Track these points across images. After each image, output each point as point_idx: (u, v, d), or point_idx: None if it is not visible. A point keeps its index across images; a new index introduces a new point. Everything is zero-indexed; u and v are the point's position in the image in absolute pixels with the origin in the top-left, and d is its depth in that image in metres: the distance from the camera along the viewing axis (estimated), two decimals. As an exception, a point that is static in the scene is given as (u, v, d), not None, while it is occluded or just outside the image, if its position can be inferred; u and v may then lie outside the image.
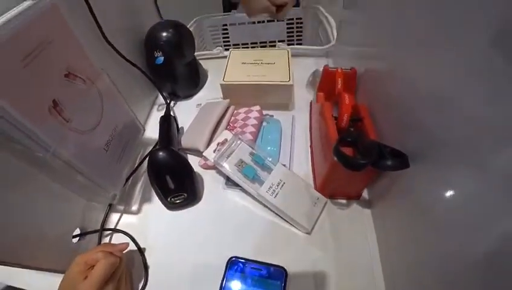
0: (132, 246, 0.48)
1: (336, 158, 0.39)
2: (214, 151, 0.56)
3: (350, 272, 0.44)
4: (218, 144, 0.56)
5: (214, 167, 0.56)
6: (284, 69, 0.64)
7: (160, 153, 0.51)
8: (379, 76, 0.48)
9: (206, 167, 0.58)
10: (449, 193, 0.30)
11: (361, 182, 0.48)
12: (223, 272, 0.43)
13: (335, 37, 0.69)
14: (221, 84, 0.63)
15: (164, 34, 0.62)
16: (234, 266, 0.44)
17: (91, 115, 0.44)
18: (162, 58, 0.62)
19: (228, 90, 0.64)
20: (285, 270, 0.43)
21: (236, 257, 0.44)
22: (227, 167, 0.51)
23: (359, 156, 0.40)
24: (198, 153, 0.58)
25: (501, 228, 0.23)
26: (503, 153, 0.23)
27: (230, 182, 0.55)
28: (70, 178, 0.42)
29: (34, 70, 0.33)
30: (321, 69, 0.61)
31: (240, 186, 0.52)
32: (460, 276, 0.28)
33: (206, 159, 0.57)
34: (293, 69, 0.64)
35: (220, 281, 0.42)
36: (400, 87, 0.41)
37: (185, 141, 0.60)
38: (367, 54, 0.54)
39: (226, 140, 0.56)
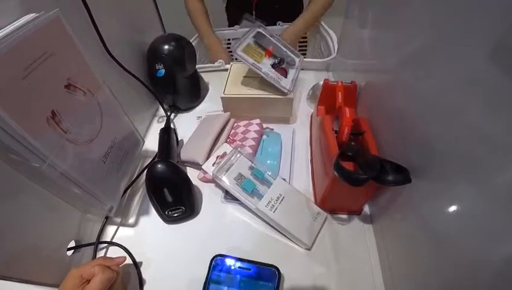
0: (128, 260, 0.46)
1: (336, 173, 0.39)
2: (213, 164, 0.55)
3: (351, 288, 0.43)
4: (217, 157, 0.56)
5: (213, 181, 0.55)
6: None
7: (159, 166, 0.51)
8: (380, 89, 0.48)
9: (205, 180, 0.58)
10: (450, 209, 0.29)
11: (363, 197, 0.47)
12: (206, 272, 0.40)
13: (336, 50, 0.70)
14: (222, 97, 0.64)
15: (166, 46, 0.63)
16: (219, 265, 0.40)
17: (90, 126, 0.44)
18: (163, 71, 0.62)
19: (228, 103, 0.65)
20: (278, 270, 0.39)
21: (221, 254, 0.41)
22: (226, 180, 0.51)
23: (360, 171, 0.40)
24: (197, 166, 0.58)
25: (503, 249, 0.22)
26: (505, 168, 0.22)
27: (229, 196, 0.54)
28: (67, 189, 0.41)
29: (33, 81, 0.33)
30: (321, 82, 0.61)
31: (239, 200, 0.51)
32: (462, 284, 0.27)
33: (205, 172, 0.56)
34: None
35: (203, 285, 0.39)
36: (401, 101, 0.40)
37: (184, 154, 0.60)
38: (367, 67, 0.54)
39: (225, 153, 0.56)
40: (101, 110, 0.46)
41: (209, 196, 0.56)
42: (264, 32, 0.66)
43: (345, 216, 0.51)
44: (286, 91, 0.60)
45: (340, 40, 0.71)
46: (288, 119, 0.67)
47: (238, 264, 0.39)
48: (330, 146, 0.45)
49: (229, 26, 1.11)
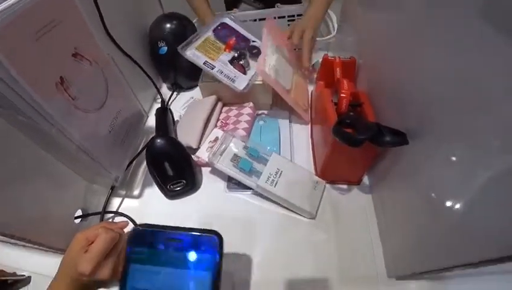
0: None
1: (335, 136, 0.40)
2: (207, 149, 0.55)
3: (352, 253, 0.45)
4: (209, 142, 0.56)
5: (208, 165, 0.56)
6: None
7: (159, 140, 0.51)
8: (378, 63, 0.49)
9: (201, 165, 0.57)
10: (443, 172, 0.31)
11: (362, 164, 0.49)
12: (125, 254, 0.30)
13: (336, 29, 0.71)
14: (200, 85, 0.63)
15: (168, 25, 0.64)
16: (139, 240, 0.30)
17: (96, 95, 0.45)
18: (165, 48, 0.63)
19: (206, 90, 0.63)
20: (219, 236, 0.29)
21: (142, 224, 0.31)
22: (222, 164, 0.50)
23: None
24: (191, 150, 0.57)
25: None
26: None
27: (232, 184, 0.54)
28: (75, 158, 0.42)
29: (44, 45, 0.35)
30: (320, 60, 0.62)
31: (242, 189, 0.51)
32: (459, 248, 0.29)
33: (198, 157, 0.56)
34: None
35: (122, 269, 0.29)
36: (399, 72, 0.42)
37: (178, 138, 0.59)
38: (367, 43, 0.55)
39: (217, 138, 0.55)
40: (106, 81, 0.47)
41: (209, 174, 0.57)
42: (230, 23, 0.64)
43: (344, 186, 0.52)
44: (238, 91, 0.56)
45: (341, 20, 0.72)
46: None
47: (165, 235, 0.29)
48: (329, 115, 0.46)
49: (226, 10, 1.10)
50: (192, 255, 0.28)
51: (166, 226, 0.31)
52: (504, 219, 0.24)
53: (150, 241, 0.29)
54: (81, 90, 0.41)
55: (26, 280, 0.46)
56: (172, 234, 0.29)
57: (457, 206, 0.29)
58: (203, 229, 0.30)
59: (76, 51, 0.41)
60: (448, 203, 0.30)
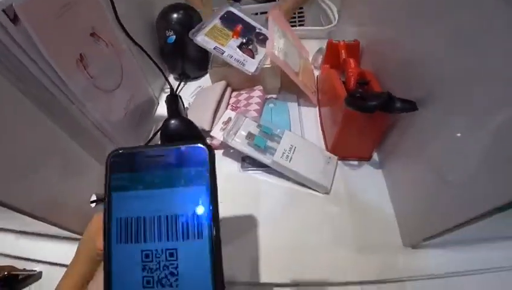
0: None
1: (347, 106, 0.42)
2: (220, 130, 0.55)
3: (368, 225, 0.46)
4: (223, 123, 0.57)
5: (221, 147, 0.56)
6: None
7: (173, 121, 0.52)
8: (384, 43, 0.51)
9: (214, 147, 0.57)
10: (451, 144, 0.33)
11: (372, 138, 0.50)
12: (105, 184, 0.24)
13: (336, 18, 0.73)
14: (209, 71, 0.65)
15: (175, 14, 0.66)
16: (117, 165, 0.24)
17: (112, 76, 0.46)
18: (173, 38, 0.65)
19: (216, 75, 0.65)
20: (208, 146, 0.24)
21: (119, 148, 0.25)
22: (237, 141, 0.51)
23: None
24: (204, 132, 0.57)
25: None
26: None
27: (246, 163, 0.55)
28: (93, 138, 0.43)
29: (65, 21, 0.36)
30: (325, 46, 0.64)
31: (256, 168, 0.52)
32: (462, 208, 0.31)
33: (213, 138, 0.56)
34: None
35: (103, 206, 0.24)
36: (403, 49, 0.44)
37: None
38: (370, 27, 0.57)
39: (230, 119, 0.56)
40: (121, 64, 0.48)
41: (222, 156, 0.57)
42: (235, 11, 0.66)
43: (355, 162, 0.53)
44: (249, 74, 0.58)
45: (341, 9, 0.74)
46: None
47: (145, 153, 0.24)
48: (338, 92, 0.48)
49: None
50: (179, 171, 0.24)
51: (147, 145, 0.24)
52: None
53: (129, 164, 0.24)
54: (99, 70, 0.42)
55: (37, 276, 0.46)
56: (152, 151, 0.24)
57: (461, 171, 0.31)
58: (188, 141, 0.25)
59: (94, 31, 0.42)
60: (453, 171, 0.32)
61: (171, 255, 0.21)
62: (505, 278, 0.38)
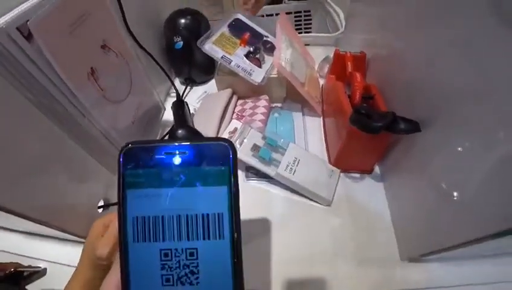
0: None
1: (353, 125, 0.42)
2: None
3: (367, 238, 0.47)
4: (229, 133, 0.57)
5: None
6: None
7: (180, 131, 0.53)
8: (389, 58, 0.52)
9: None
10: (452, 162, 0.34)
11: (375, 153, 0.51)
12: (118, 182, 0.22)
13: (343, 25, 0.73)
14: (216, 78, 0.65)
15: (183, 20, 0.66)
16: (133, 160, 0.22)
17: (121, 87, 0.47)
18: (181, 43, 0.65)
19: (222, 83, 0.65)
20: (230, 144, 0.22)
21: (135, 141, 0.22)
22: (243, 153, 0.52)
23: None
24: None
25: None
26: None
27: (250, 174, 0.55)
28: (103, 148, 0.44)
29: (78, 36, 0.36)
30: (331, 55, 0.64)
31: (259, 178, 0.53)
32: (461, 229, 0.32)
33: None
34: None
35: (118, 204, 0.22)
36: (409, 68, 0.44)
37: None
38: (376, 40, 0.57)
39: (236, 129, 0.57)
40: (130, 73, 0.48)
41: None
42: (243, 19, 0.65)
43: (357, 175, 0.54)
44: (256, 84, 0.58)
45: (348, 17, 0.74)
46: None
47: (163, 149, 0.22)
48: (344, 106, 0.48)
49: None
50: (199, 169, 0.22)
51: (163, 139, 0.23)
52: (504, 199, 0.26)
53: (146, 159, 0.22)
54: (109, 81, 0.43)
55: (42, 272, 0.47)
56: (173, 147, 0.22)
57: (463, 191, 0.32)
58: (210, 137, 0.22)
59: (104, 43, 0.42)
60: (456, 189, 0.33)
61: (191, 254, 0.21)
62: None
